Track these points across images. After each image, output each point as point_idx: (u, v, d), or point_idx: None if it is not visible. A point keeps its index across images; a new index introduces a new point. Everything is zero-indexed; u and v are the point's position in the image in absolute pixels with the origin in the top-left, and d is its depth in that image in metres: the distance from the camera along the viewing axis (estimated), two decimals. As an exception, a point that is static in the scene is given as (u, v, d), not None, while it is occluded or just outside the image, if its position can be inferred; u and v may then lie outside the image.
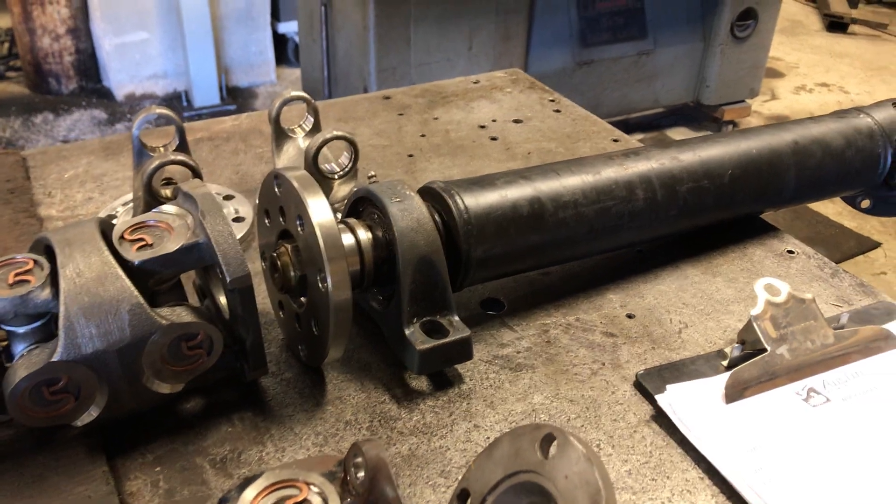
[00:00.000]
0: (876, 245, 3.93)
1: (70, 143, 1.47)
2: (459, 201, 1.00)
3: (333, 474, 0.66)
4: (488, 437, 0.90)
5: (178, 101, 5.24)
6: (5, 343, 0.83)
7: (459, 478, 0.85)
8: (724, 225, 1.24)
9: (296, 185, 0.91)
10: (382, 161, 1.45)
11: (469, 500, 0.74)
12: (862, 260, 3.82)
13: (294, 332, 1.00)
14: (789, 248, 1.24)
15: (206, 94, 5.13)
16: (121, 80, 5.12)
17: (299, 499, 0.58)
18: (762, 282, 1.01)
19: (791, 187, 1.23)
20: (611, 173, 1.09)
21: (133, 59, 5.06)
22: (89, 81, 5.26)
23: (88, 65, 5.20)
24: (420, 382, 0.98)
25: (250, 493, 0.57)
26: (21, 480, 0.83)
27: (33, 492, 0.82)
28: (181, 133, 1.22)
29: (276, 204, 0.96)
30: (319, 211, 0.89)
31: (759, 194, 1.21)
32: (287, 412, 0.93)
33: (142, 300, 0.81)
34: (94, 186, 1.34)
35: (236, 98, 5.28)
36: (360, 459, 0.67)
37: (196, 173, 1.10)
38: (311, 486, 0.59)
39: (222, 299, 0.96)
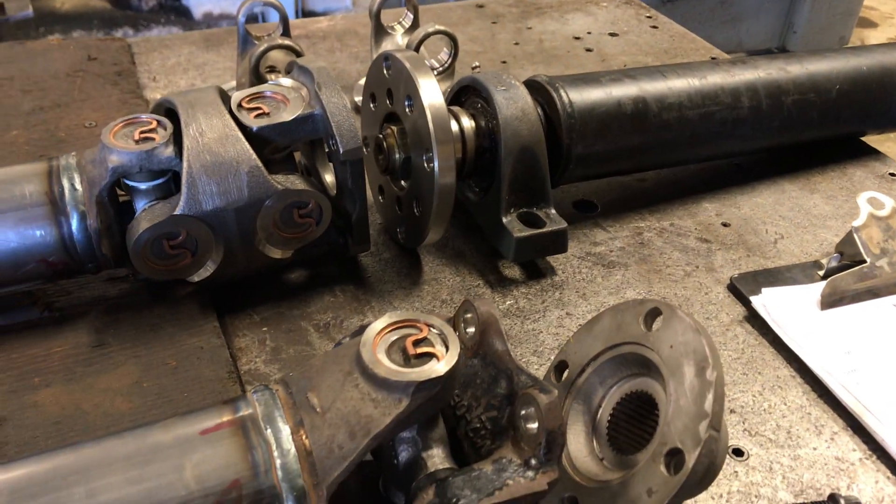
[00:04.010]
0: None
1: (171, 34, 1.50)
2: (564, 95, 1.00)
3: (443, 330, 0.69)
4: (580, 325, 0.92)
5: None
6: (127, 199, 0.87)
7: (552, 357, 0.87)
8: (826, 143, 1.22)
9: (407, 65, 0.92)
10: (475, 67, 1.45)
11: (567, 372, 0.76)
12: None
13: (393, 215, 1.02)
14: (892, 171, 1.21)
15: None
16: (200, -2, 5.15)
17: (420, 337, 0.60)
18: (865, 195, 1.00)
19: (900, 108, 1.20)
20: (717, 79, 1.08)
21: (212, -23, 5.08)
22: (169, -2, 5.31)
23: (169, -18, 5.24)
24: (513, 271, 1.00)
25: (378, 324, 0.60)
26: (138, 329, 0.88)
27: (149, 339, 0.87)
28: (284, 21, 1.24)
29: (384, 86, 0.98)
30: (430, 92, 0.90)
31: (866, 113, 1.18)
32: (386, 288, 0.96)
33: (260, 163, 0.84)
34: (196, 74, 1.38)
35: (312, 21, 5.28)
36: (470, 315, 0.69)
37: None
38: (431, 328, 0.61)
39: (328, 177, 0.99)
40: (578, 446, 0.72)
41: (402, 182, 0.99)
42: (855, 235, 0.97)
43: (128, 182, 0.85)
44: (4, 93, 1.28)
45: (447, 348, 0.60)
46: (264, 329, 0.89)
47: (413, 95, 0.91)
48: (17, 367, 0.82)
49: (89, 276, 0.91)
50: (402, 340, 0.60)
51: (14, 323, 0.87)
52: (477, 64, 1.10)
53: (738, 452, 0.78)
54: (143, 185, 0.85)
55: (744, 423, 0.81)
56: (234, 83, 1.29)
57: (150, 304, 0.91)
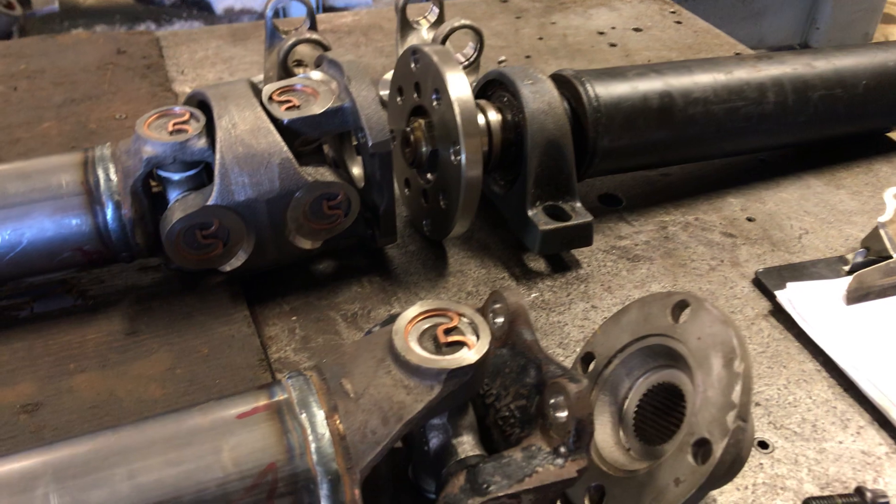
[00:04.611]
0: None
1: (199, 28, 1.52)
2: (590, 89, 1.01)
3: (472, 320, 0.69)
4: (605, 318, 0.93)
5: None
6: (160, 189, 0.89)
7: (577, 349, 0.88)
8: (851, 139, 1.21)
9: (436, 59, 0.93)
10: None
11: (593, 363, 0.77)
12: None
13: (419, 207, 1.03)
14: (918, 167, 1.21)
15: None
16: (221, -8, 5.18)
17: (451, 325, 0.61)
18: (892, 190, 1.00)
19: (927, 104, 1.19)
20: (743, 74, 1.08)
21: (234, -28, 5.11)
22: (191, -7, 5.34)
23: (190, -24, 5.28)
24: (538, 264, 1.01)
25: (410, 313, 0.61)
26: (171, 317, 0.89)
27: (182, 327, 0.88)
28: (311, 16, 1.25)
29: (412, 80, 0.99)
30: (458, 86, 0.91)
31: (893, 108, 1.18)
32: (412, 279, 0.97)
33: (291, 155, 0.85)
34: (224, 68, 1.39)
35: (332, 17, 5.29)
36: (498, 305, 0.70)
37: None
38: (462, 318, 0.62)
39: (356, 170, 1.00)
40: (605, 437, 0.73)
41: (429, 175, 1.00)
42: (881, 231, 0.97)
43: (161, 173, 0.86)
44: (37, 85, 1.30)
45: (478, 337, 0.61)
46: (293, 318, 0.91)
47: (441, 89, 0.92)
48: (52, 353, 0.84)
49: (122, 266, 0.93)
50: (433, 329, 0.61)
51: (49, 310, 0.89)
52: (503, 58, 1.10)
53: (763, 445, 0.78)
54: (176, 176, 0.86)
55: (769, 416, 0.81)
56: (261, 77, 1.31)
57: (182, 293, 0.92)
